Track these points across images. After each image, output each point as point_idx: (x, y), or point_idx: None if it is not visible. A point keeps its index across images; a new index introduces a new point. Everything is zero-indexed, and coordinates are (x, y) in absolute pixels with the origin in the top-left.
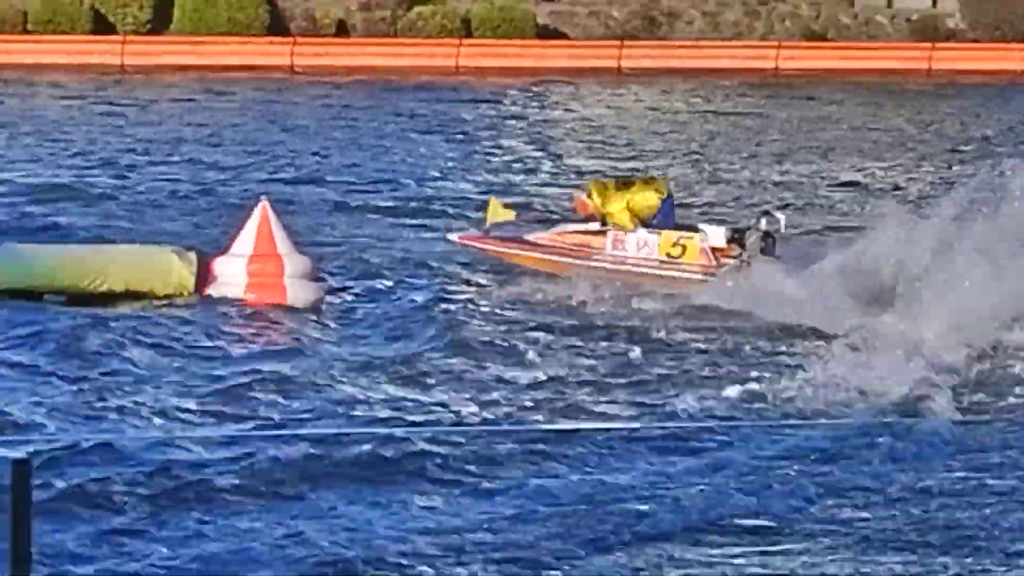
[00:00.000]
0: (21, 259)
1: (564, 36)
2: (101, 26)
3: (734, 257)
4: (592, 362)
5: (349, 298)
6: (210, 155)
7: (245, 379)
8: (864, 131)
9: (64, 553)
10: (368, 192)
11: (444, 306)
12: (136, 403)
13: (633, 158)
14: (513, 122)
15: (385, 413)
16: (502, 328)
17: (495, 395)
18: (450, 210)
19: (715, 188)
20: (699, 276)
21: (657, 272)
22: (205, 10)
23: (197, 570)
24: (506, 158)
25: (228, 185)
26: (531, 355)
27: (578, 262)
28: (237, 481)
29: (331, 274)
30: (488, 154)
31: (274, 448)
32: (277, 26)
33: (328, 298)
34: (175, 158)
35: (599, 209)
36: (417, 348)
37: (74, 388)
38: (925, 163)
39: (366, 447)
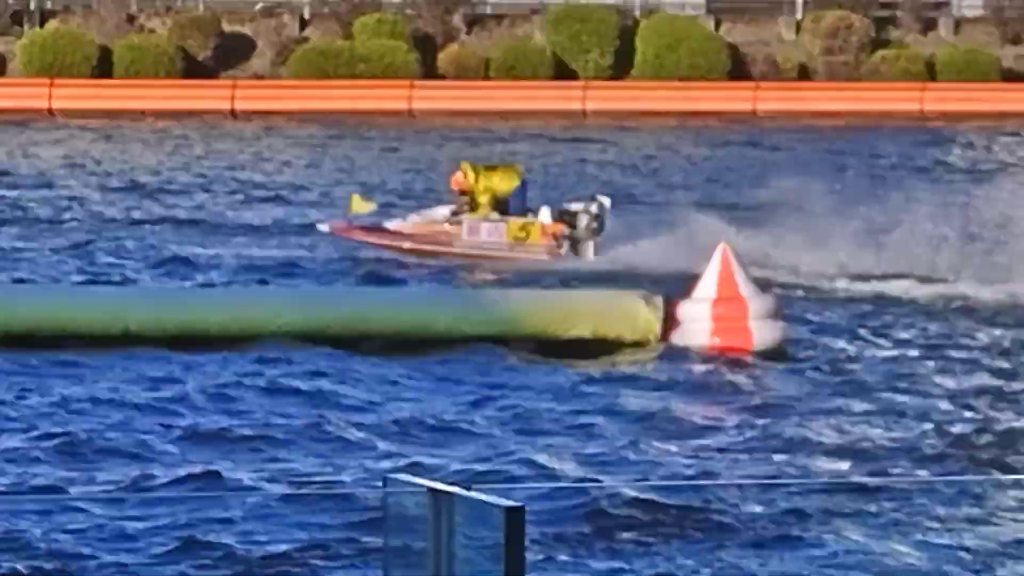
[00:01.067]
0: (488, 305)
1: None
2: (562, 72)
3: (566, 237)
4: None
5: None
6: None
7: None
8: None
9: None
10: None
11: None
12: None
13: None
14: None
15: None
16: None
17: None
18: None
19: None
20: (544, 256)
21: (507, 254)
22: (666, 56)
23: None
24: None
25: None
26: None
27: (440, 248)
28: None
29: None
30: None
31: None
32: (738, 71)
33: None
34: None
35: (471, 186)
36: None
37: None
38: None
39: None
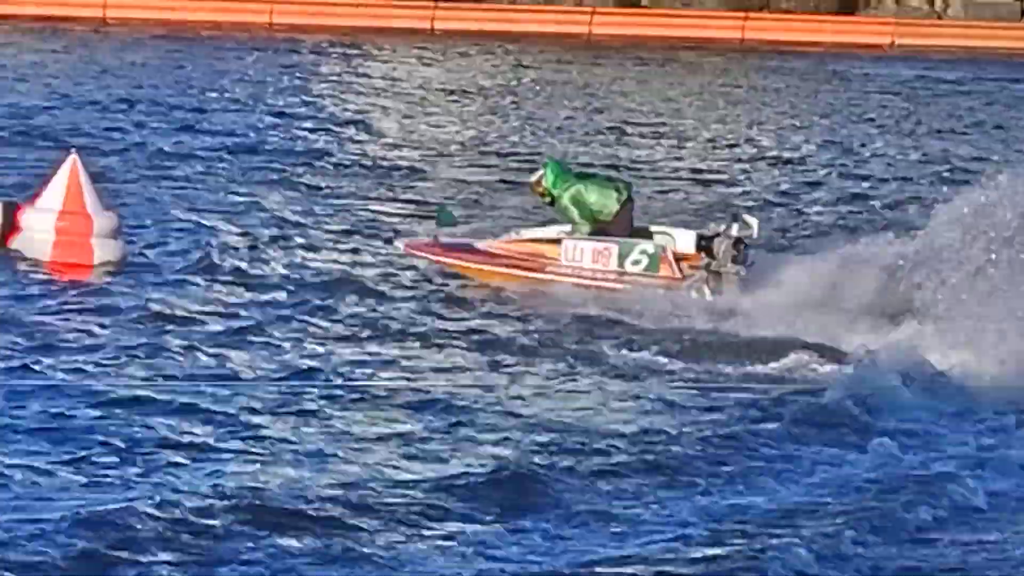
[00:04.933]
0: None
1: None
2: None
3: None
4: None
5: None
6: None
7: None
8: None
9: None
10: None
11: None
12: None
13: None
14: None
15: None
16: None
17: None
18: None
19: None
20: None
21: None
22: None
23: None
24: None
25: None
26: None
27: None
28: None
29: None
30: None
31: None
32: None
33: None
34: None
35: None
36: None
37: None
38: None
39: None
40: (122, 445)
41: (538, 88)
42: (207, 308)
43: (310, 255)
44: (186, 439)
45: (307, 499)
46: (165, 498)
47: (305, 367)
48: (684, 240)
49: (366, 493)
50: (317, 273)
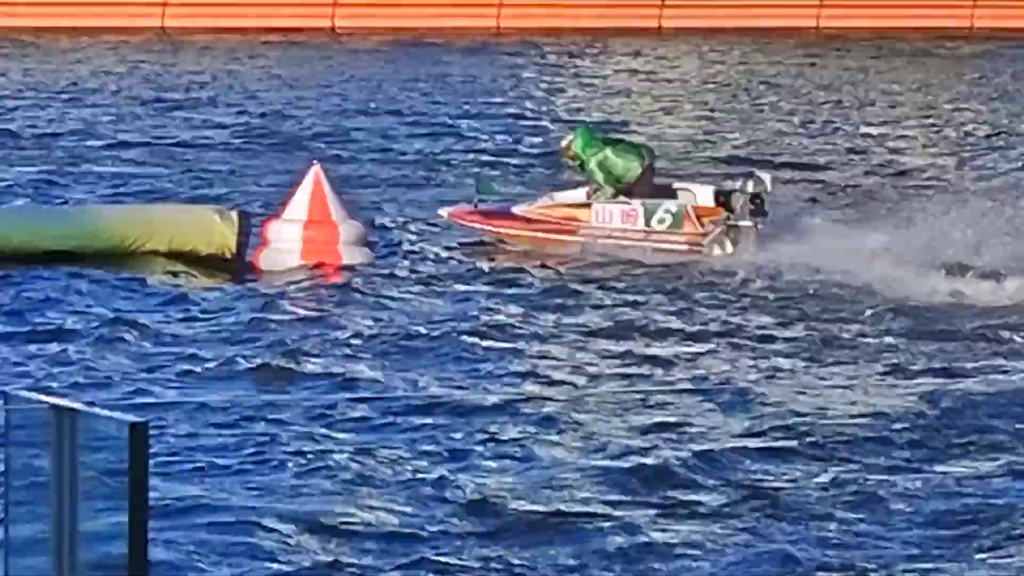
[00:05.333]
0: (61, 219)
1: None
2: None
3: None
4: None
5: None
6: None
7: None
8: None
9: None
10: None
11: None
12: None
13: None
14: None
15: None
16: None
17: None
18: None
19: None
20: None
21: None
22: None
23: None
24: None
25: None
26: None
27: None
28: None
29: None
30: None
31: None
32: None
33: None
34: None
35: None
36: None
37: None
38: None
39: None
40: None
41: (779, 84)
42: (459, 309)
43: None
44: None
45: None
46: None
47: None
48: (703, 195)
49: None
50: (561, 276)
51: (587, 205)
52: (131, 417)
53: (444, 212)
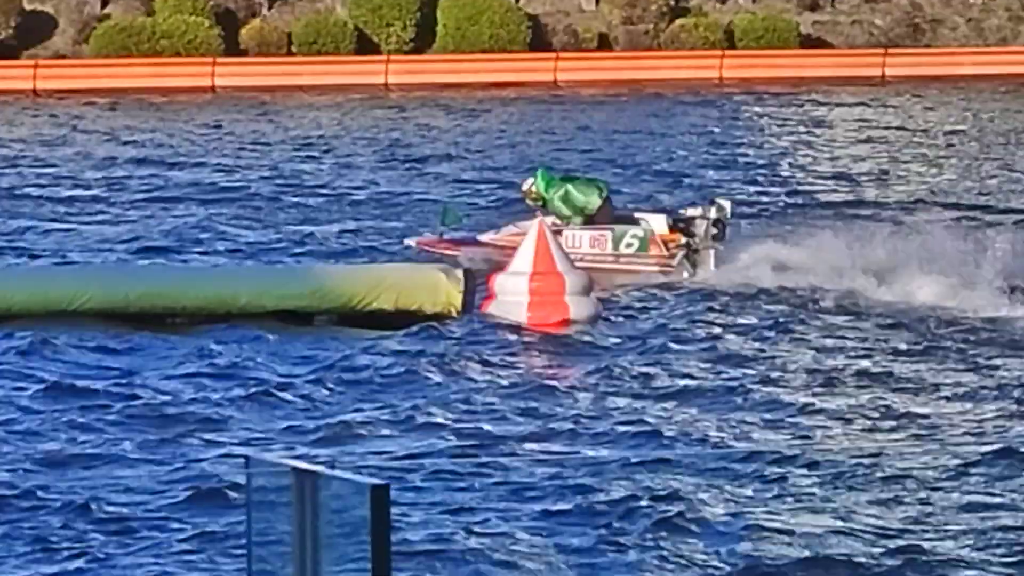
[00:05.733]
0: (290, 279)
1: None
2: (365, 47)
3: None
4: None
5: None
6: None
7: None
8: None
9: None
10: None
11: None
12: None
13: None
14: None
15: None
16: None
17: None
18: None
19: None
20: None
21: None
22: (468, 28)
23: None
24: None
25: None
26: None
27: None
28: None
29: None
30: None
31: None
32: (539, 42)
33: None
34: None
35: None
36: None
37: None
38: None
39: None
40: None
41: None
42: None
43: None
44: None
45: None
46: None
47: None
48: (657, 222)
49: None
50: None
51: (558, 231)
52: (372, 480)
53: (412, 242)
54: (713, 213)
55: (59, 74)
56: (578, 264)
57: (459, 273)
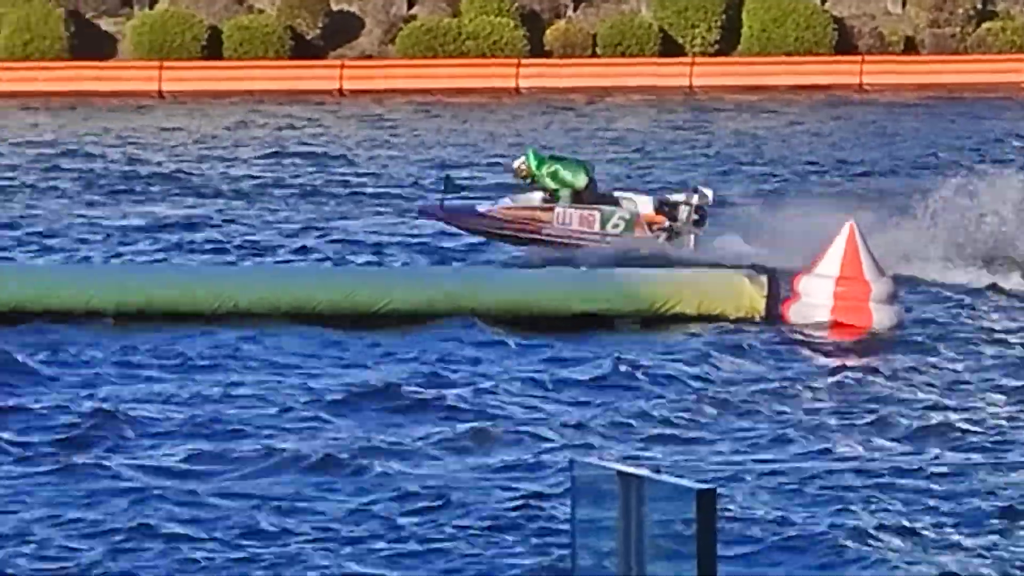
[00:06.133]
0: (594, 283)
1: None
2: (669, 48)
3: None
4: None
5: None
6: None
7: None
8: None
9: None
10: None
11: None
12: None
13: None
14: None
15: None
16: None
17: None
18: None
19: None
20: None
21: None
22: (773, 30)
23: None
24: None
25: None
26: None
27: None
28: None
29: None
30: None
31: None
32: (845, 44)
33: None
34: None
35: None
36: None
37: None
38: None
39: None
40: None
41: None
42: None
43: None
44: None
45: None
46: None
47: None
48: (643, 203)
49: None
50: None
51: (550, 208)
52: (698, 484)
53: (416, 210)
54: (696, 200)
55: (365, 74)
56: (567, 241)
57: (763, 278)
